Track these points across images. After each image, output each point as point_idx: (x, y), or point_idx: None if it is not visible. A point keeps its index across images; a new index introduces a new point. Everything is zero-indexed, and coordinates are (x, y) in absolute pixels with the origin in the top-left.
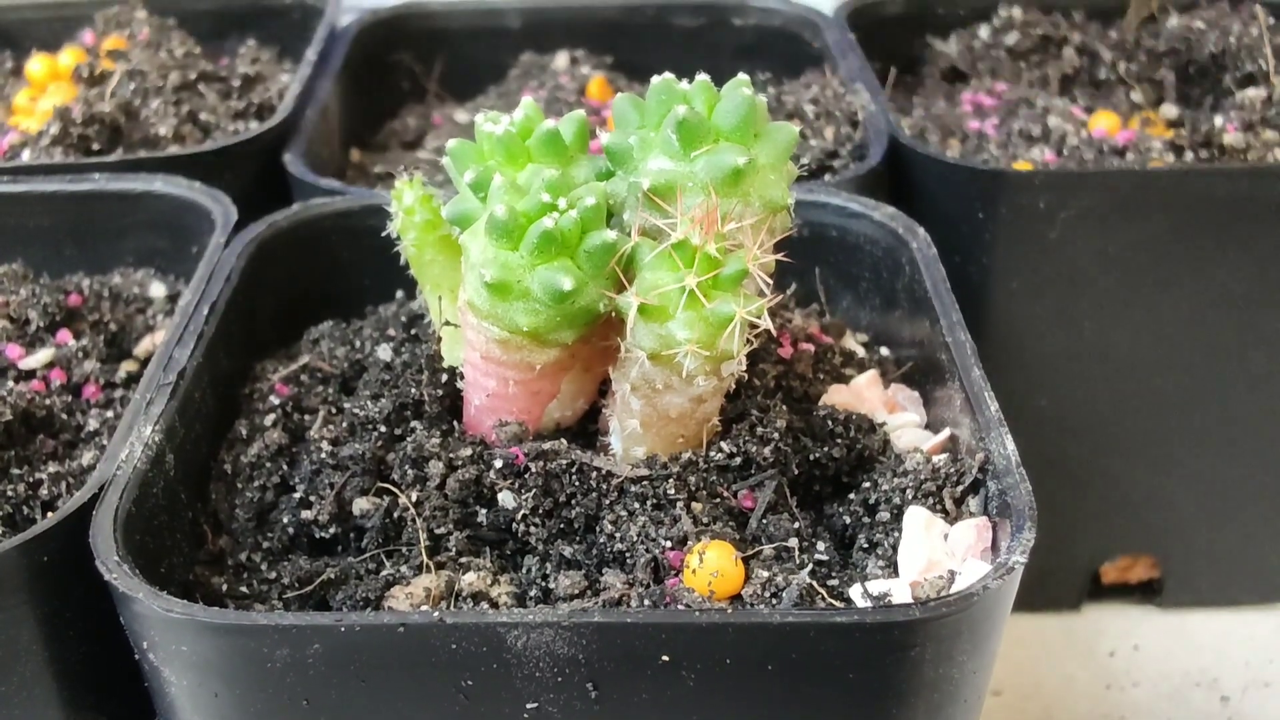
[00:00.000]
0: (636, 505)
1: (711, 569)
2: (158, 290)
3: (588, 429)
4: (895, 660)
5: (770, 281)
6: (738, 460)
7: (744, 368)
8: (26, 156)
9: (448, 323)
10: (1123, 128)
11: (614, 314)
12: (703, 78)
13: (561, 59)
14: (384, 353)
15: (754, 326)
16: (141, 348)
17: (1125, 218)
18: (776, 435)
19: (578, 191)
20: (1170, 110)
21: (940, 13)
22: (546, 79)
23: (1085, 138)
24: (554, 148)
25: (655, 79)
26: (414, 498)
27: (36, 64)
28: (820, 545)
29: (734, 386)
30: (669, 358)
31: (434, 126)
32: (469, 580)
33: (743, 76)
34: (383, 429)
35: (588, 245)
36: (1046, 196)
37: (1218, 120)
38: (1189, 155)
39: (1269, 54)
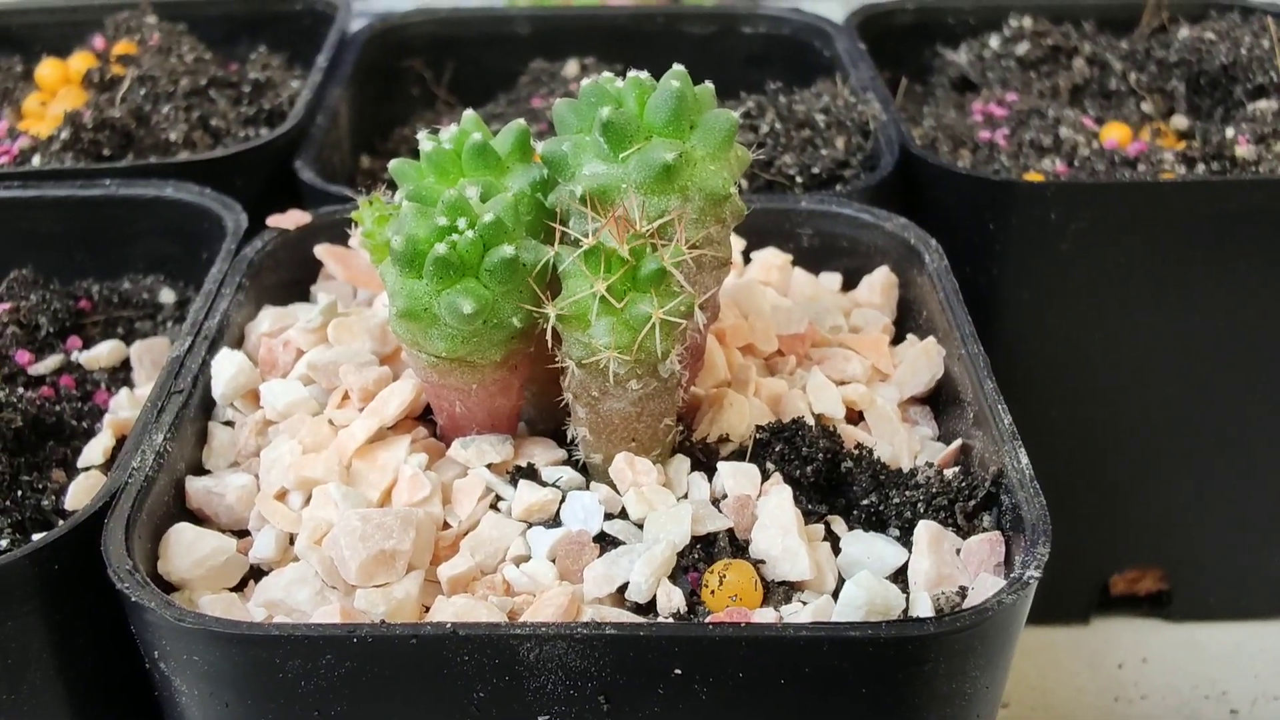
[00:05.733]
0: None
1: (731, 591)
2: (167, 296)
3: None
4: (908, 675)
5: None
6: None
7: (683, 366)
8: (37, 161)
9: None
10: (1134, 139)
11: (546, 326)
12: (634, 74)
13: (572, 66)
14: None
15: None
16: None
17: (1136, 230)
18: (820, 456)
19: (483, 207)
20: (1181, 121)
21: (950, 22)
22: (556, 86)
23: (1096, 149)
24: (484, 160)
25: (585, 81)
26: None
27: (47, 69)
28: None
29: (684, 385)
30: (595, 364)
31: None
32: None
33: (678, 68)
34: None
35: (488, 264)
36: (1058, 208)
37: (1229, 132)
38: (1200, 167)
39: None
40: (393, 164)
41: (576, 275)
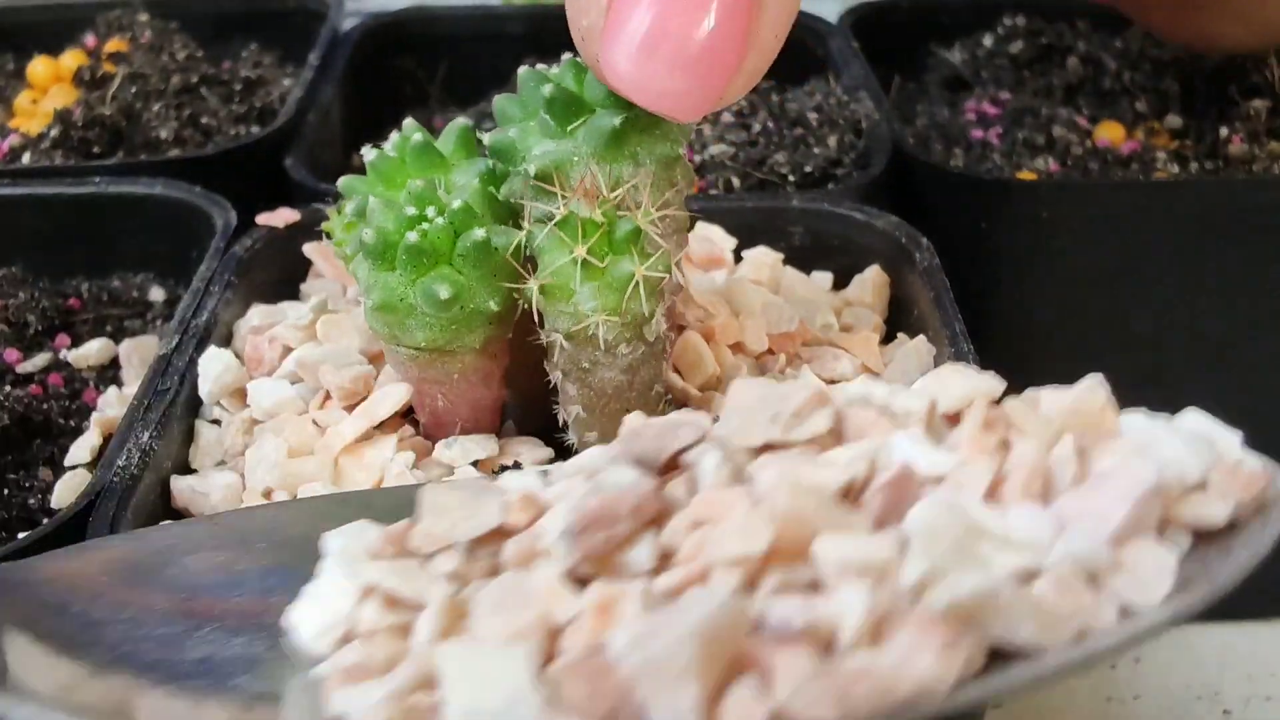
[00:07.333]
0: None
1: None
2: (157, 294)
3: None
4: None
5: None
6: None
7: (667, 327)
8: (27, 159)
9: None
10: (1127, 138)
11: (527, 307)
12: (568, 57)
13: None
14: None
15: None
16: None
17: (1130, 228)
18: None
19: (450, 195)
20: (1175, 120)
21: (944, 21)
22: None
23: (1090, 148)
24: (428, 158)
25: (521, 70)
26: None
27: (38, 66)
28: None
29: (669, 349)
30: (583, 333)
31: (436, 132)
32: None
33: None
34: None
35: (460, 248)
36: (1051, 207)
37: (1223, 131)
38: (1194, 166)
39: (1274, 64)
40: (341, 181)
41: (554, 247)
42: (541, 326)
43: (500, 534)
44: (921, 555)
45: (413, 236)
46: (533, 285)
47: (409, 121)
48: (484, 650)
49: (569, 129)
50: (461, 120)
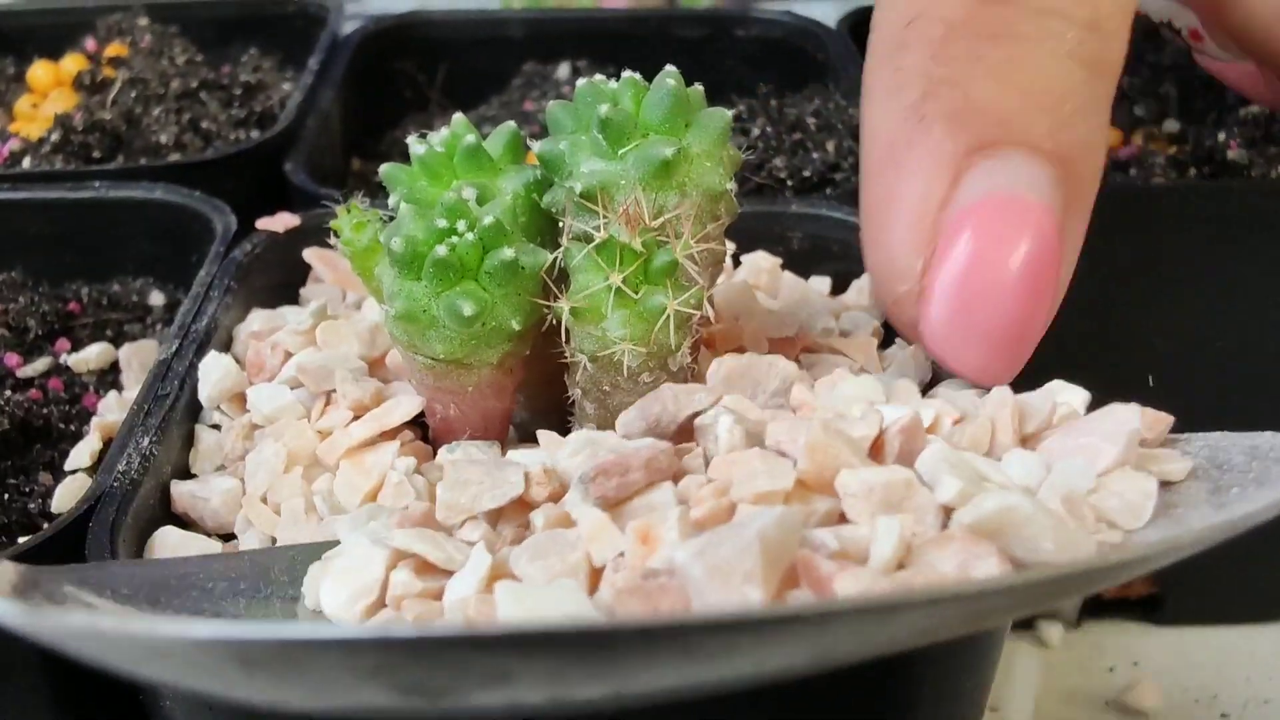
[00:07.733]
0: None
1: None
2: (157, 299)
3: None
4: (891, 679)
5: (722, 266)
6: None
7: (691, 360)
8: (27, 164)
9: None
10: (1125, 143)
11: (555, 322)
12: (629, 75)
13: (564, 69)
14: None
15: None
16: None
17: (1127, 234)
18: None
19: (482, 209)
20: (1173, 126)
21: None
22: (548, 89)
23: None
24: (477, 162)
25: (580, 82)
26: None
27: (39, 70)
28: None
29: (689, 379)
30: (608, 358)
31: None
32: None
33: (670, 68)
34: None
35: (488, 266)
36: None
37: (1220, 136)
38: (1191, 171)
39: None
40: (384, 169)
41: (589, 269)
42: (567, 343)
43: (522, 506)
44: (951, 478)
45: (441, 250)
46: (564, 305)
47: (459, 118)
48: (534, 588)
49: (620, 152)
50: (510, 124)
